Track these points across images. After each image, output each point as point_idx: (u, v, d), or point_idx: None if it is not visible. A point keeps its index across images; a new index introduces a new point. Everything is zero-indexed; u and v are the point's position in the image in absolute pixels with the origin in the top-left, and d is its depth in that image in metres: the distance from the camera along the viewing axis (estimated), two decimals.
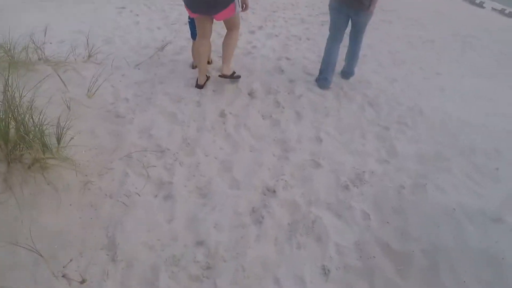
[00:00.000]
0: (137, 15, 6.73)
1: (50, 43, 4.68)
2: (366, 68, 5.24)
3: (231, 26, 3.68)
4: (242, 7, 3.56)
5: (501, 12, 28.68)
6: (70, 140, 2.65)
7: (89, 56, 4.27)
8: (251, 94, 3.99)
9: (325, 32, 6.88)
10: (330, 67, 4.13)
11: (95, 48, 4.32)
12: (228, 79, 3.92)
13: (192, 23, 3.82)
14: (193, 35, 3.93)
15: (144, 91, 3.90)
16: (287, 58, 5.09)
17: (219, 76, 3.82)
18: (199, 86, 3.83)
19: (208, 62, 4.27)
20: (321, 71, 4.20)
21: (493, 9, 28.86)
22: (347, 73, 4.44)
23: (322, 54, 4.32)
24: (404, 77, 5.26)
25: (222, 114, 3.64)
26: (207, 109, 3.69)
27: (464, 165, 3.31)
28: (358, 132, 3.64)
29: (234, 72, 3.81)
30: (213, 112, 3.65)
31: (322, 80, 4.17)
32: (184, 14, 4.98)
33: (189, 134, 3.29)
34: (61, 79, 3.51)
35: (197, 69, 3.98)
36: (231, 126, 3.48)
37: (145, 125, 3.33)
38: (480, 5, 27.91)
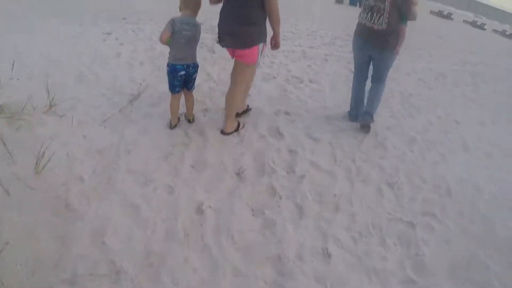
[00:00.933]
0: (122, 44, 5.97)
1: (18, 79, 3.88)
2: (379, 121, 4.43)
3: (238, 77, 3.33)
4: (272, 44, 3.29)
5: (502, 33, 27.98)
6: (1, 251, 1.91)
7: (51, 105, 3.48)
8: (239, 175, 3.06)
9: (330, 70, 6.17)
10: (359, 105, 4.07)
11: (63, 89, 3.72)
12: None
13: (171, 73, 3.20)
14: (172, 87, 3.31)
15: (105, 166, 2.98)
16: (286, 113, 4.24)
17: (221, 133, 3.53)
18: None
19: (189, 121, 3.71)
20: (351, 108, 4.20)
21: (494, 30, 28.06)
22: (365, 114, 3.97)
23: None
24: (422, 133, 4.43)
25: (200, 210, 2.72)
26: (181, 199, 2.78)
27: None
28: (376, 235, 2.74)
29: (238, 126, 3.63)
30: (189, 205, 2.74)
31: (353, 116, 4.16)
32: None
33: (153, 246, 2.38)
34: (7, 148, 2.68)
35: (174, 129, 3.49)
36: (210, 231, 2.56)
37: (99, 225, 2.43)
38: (481, 27, 27.15)
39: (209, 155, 3.23)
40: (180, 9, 3.12)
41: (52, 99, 3.48)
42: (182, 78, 3.22)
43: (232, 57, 3.26)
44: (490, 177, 3.78)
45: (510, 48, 20.34)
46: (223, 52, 6.21)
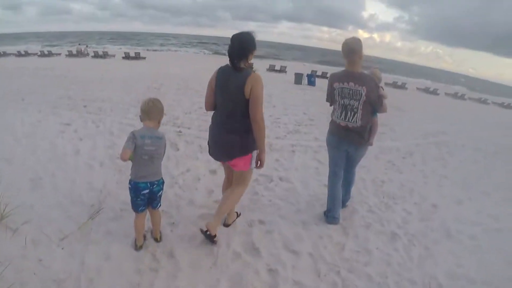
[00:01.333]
0: (81, 139, 5.88)
1: None
2: (356, 219, 4.29)
3: (239, 181, 3.29)
4: (257, 163, 3.10)
5: (455, 96, 29.79)
6: None
7: (2, 217, 3.25)
8: None
9: (299, 163, 6.10)
10: (337, 205, 3.95)
11: (16, 195, 3.60)
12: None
13: (134, 191, 2.92)
14: (135, 206, 3.00)
15: None
16: (261, 222, 4.02)
17: (201, 230, 3.29)
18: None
19: (156, 239, 3.38)
20: (329, 210, 3.99)
21: (447, 94, 29.88)
22: (344, 201, 4.20)
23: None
24: (403, 226, 4.27)
25: None
26: None
27: None
28: None
29: (215, 236, 3.29)
30: None
31: (331, 218, 3.97)
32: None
33: None
34: None
35: (141, 251, 3.14)
36: None
37: None
38: (434, 93, 28.93)
39: (181, 285, 2.89)
40: (141, 120, 2.93)
41: (4, 210, 3.27)
42: (145, 196, 2.94)
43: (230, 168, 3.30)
44: (479, 264, 3.60)
45: (465, 110, 21.54)
46: (187, 149, 6.08)
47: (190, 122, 8.44)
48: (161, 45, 70.70)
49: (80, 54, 31.98)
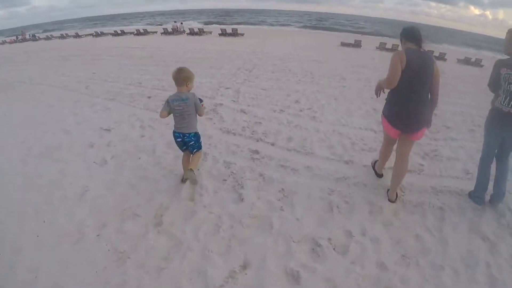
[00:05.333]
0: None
1: None
2: None
3: (408, 151, 3.76)
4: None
5: None
6: None
7: None
8: None
9: None
10: (484, 187, 3.89)
11: None
12: None
13: (174, 137, 3.94)
14: (178, 146, 4.04)
15: None
16: None
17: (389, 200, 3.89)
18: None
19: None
20: (475, 190, 3.96)
21: None
22: (498, 195, 3.88)
23: None
24: None
25: None
26: None
27: None
28: None
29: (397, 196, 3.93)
30: None
31: (477, 198, 3.94)
32: None
33: None
34: None
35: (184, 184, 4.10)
36: None
37: None
38: None
39: None
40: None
41: None
42: (180, 143, 3.92)
43: (395, 138, 3.70)
44: None
45: None
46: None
47: (276, 129, 5.93)
48: (262, 21, 68.42)
49: (175, 31, 31.29)
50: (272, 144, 5.26)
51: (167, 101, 3.69)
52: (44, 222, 3.53)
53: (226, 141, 5.35)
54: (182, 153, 4.19)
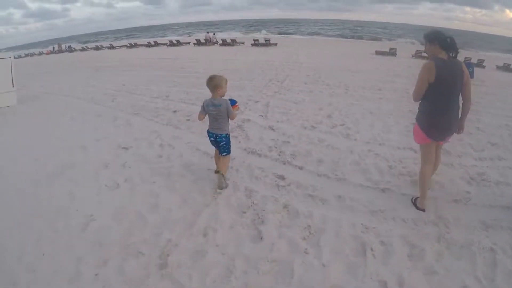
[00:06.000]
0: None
1: None
2: None
3: (439, 153, 3.97)
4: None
5: None
6: None
7: None
8: None
9: None
10: None
11: None
12: None
13: (208, 136, 4.25)
14: (212, 144, 4.34)
15: None
16: None
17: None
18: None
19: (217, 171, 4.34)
20: None
21: None
22: None
23: None
24: None
25: None
26: None
27: None
28: None
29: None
30: None
31: None
32: None
33: None
34: None
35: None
36: None
37: None
38: None
39: None
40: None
41: None
42: (213, 142, 4.25)
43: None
44: None
45: None
46: None
47: (306, 149, 5.44)
48: (294, 30, 68.02)
49: (208, 42, 31.55)
50: (301, 168, 4.75)
51: (202, 105, 4.06)
52: (43, 255, 3.21)
53: (249, 164, 4.89)
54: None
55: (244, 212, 3.74)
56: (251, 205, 3.86)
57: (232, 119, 4.16)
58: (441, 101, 3.36)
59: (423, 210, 3.71)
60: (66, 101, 9.90)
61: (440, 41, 3.33)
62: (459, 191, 4.18)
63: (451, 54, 3.34)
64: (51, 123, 7.55)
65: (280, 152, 5.28)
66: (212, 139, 4.20)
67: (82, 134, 6.64)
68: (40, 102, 10.07)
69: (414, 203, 3.84)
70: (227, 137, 4.21)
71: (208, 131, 4.21)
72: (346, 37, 52.11)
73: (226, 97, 4.15)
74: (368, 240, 3.28)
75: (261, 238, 3.33)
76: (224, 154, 4.26)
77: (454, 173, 4.66)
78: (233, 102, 4.18)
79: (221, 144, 4.17)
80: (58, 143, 6.14)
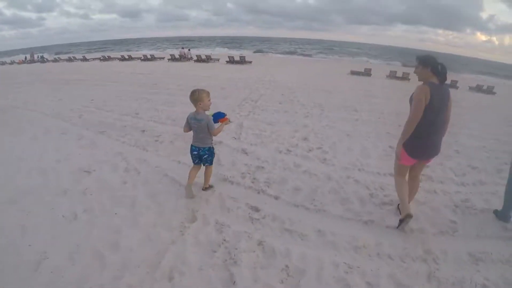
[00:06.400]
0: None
1: None
2: None
3: (419, 173, 3.96)
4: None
5: None
6: None
7: None
8: None
9: None
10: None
11: None
12: None
13: (190, 150, 4.29)
14: (192, 159, 4.35)
15: None
16: None
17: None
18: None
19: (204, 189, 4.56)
20: (503, 208, 3.98)
21: None
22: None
23: None
24: None
25: None
26: None
27: None
28: None
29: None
30: None
31: (502, 216, 3.97)
32: None
33: None
34: None
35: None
36: None
37: None
38: None
39: None
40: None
41: None
42: (195, 156, 4.28)
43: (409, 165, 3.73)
44: None
45: None
46: None
47: (281, 176, 5.12)
48: (269, 48, 68.59)
49: (182, 58, 31.16)
50: (276, 198, 4.39)
51: (187, 119, 4.13)
52: None
53: (220, 193, 4.50)
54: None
55: (215, 251, 3.33)
56: (223, 242, 3.45)
57: (214, 135, 4.18)
58: (427, 124, 3.41)
59: (411, 216, 3.60)
60: (30, 117, 9.24)
61: (432, 67, 3.41)
62: (444, 221, 3.94)
63: (440, 79, 3.44)
64: (11, 141, 6.91)
65: (254, 179, 4.92)
66: (195, 152, 4.24)
67: (44, 154, 6.08)
68: (3, 116, 9.37)
69: (401, 222, 3.68)
70: (210, 149, 4.27)
71: (191, 145, 4.27)
72: (322, 56, 52.95)
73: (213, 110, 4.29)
74: (352, 282, 2.95)
75: (234, 282, 2.93)
76: (207, 164, 4.38)
77: (438, 201, 4.43)
78: (221, 115, 4.26)
79: (204, 157, 4.27)
80: (17, 164, 5.57)
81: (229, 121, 4.41)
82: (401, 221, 3.65)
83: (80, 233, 3.65)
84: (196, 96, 3.96)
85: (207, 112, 4.15)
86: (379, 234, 3.64)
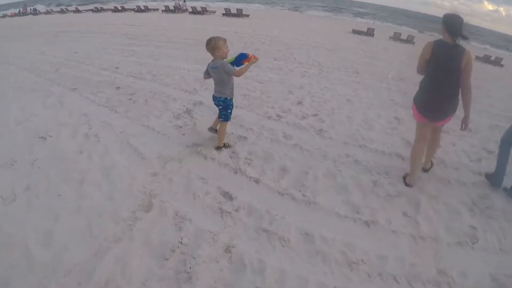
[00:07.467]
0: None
1: None
2: None
3: (439, 134, 3.83)
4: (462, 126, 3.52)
5: None
6: None
7: None
8: None
9: None
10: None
11: None
12: None
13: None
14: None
15: None
16: None
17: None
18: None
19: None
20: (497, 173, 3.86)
21: None
22: None
23: None
24: None
25: None
26: None
27: None
28: None
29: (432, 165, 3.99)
30: None
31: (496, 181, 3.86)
32: None
33: None
34: None
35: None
36: None
37: None
38: None
39: None
40: None
41: None
42: (216, 105, 4.04)
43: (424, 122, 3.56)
44: None
45: None
46: None
47: (266, 150, 4.30)
48: (269, 2, 65.25)
49: (177, 9, 29.33)
50: (256, 182, 3.52)
51: (207, 68, 3.92)
52: None
53: (189, 170, 3.63)
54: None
55: (167, 259, 2.50)
56: (179, 246, 2.61)
57: (237, 75, 3.82)
58: (431, 80, 3.41)
59: (411, 186, 3.67)
60: (6, 71, 8.43)
61: (446, 24, 3.29)
62: (462, 225, 3.13)
63: (457, 40, 3.26)
64: None
65: (233, 153, 4.04)
66: (215, 102, 4.03)
67: (6, 114, 5.38)
68: None
69: (404, 179, 3.77)
70: (226, 101, 3.94)
71: (212, 95, 4.03)
72: (325, 12, 50.47)
73: (234, 54, 3.99)
74: None
75: None
76: (221, 120, 4.07)
77: (453, 195, 3.59)
78: (243, 57, 3.94)
79: (219, 108, 4.02)
80: None
81: (254, 59, 3.90)
82: (404, 179, 3.77)
83: (15, 218, 2.88)
84: (213, 44, 3.73)
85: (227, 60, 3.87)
86: (383, 243, 2.82)
